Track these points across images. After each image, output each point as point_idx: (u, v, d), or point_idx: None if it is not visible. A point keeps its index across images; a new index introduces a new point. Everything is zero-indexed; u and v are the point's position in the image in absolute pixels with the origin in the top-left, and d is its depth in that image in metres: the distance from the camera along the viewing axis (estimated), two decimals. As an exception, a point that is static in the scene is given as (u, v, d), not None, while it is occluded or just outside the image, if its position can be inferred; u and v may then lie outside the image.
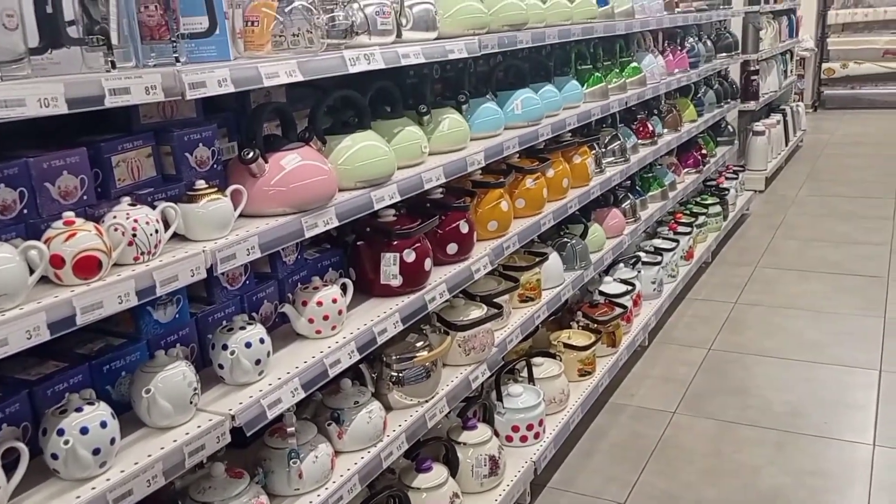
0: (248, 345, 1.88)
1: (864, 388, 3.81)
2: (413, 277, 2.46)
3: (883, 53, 11.93)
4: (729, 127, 6.61)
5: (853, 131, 10.52)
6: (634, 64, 4.51)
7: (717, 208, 5.76)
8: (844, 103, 12.23)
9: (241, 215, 1.95)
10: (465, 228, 2.75)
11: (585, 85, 3.97)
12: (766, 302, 4.91)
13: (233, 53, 1.93)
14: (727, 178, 6.33)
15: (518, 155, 3.31)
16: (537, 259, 3.34)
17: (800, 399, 3.74)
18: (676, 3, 5.13)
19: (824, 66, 12.16)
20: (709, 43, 5.96)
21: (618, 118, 4.53)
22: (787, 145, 8.51)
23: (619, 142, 4.28)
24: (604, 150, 4.19)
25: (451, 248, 2.72)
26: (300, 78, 1.94)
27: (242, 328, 1.91)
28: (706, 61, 5.80)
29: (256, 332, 1.91)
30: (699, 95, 5.83)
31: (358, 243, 2.45)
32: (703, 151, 5.83)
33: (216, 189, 1.83)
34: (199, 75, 1.68)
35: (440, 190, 2.78)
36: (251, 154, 1.92)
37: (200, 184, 1.82)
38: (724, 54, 6.33)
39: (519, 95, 3.23)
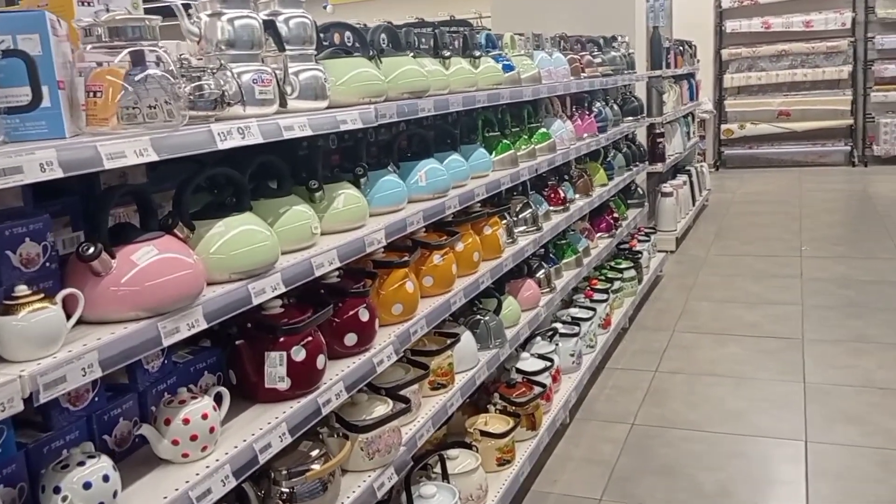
0: (86, 485, 1.50)
1: (791, 462, 3.60)
2: (303, 378, 2.12)
3: (777, 114, 12.30)
4: (639, 189, 6.52)
5: (754, 189, 10.70)
6: (543, 130, 4.33)
7: (632, 272, 5.59)
8: (744, 162, 12.51)
9: (83, 322, 1.59)
10: (365, 316, 2.43)
11: (494, 153, 3.75)
12: (686, 369, 4.72)
13: (70, 130, 1.59)
14: (639, 241, 6.20)
15: (424, 230, 3.03)
16: (448, 341, 3.04)
17: (729, 476, 3.50)
18: (582, 67, 5.02)
19: (723, 127, 12.46)
20: (615, 107, 5.88)
21: (528, 185, 4.31)
22: (693, 205, 8.54)
23: (530, 210, 4.05)
24: (515, 219, 3.95)
25: (350, 340, 2.39)
26: (154, 157, 1.61)
27: (81, 463, 1.53)
28: (614, 125, 5.70)
29: (99, 467, 1.54)
30: (609, 159, 5.70)
31: (238, 342, 2.09)
32: (615, 215, 5.69)
33: (43, 296, 1.47)
34: (13, 159, 1.33)
35: (336, 273, 2.46)
36: (92, 249, 1.57)
37: (21, 289, 1.45)
38: (631, 118, 6.26)
39: (423, 166, 2.96)
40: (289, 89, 2.21)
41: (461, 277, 3.18)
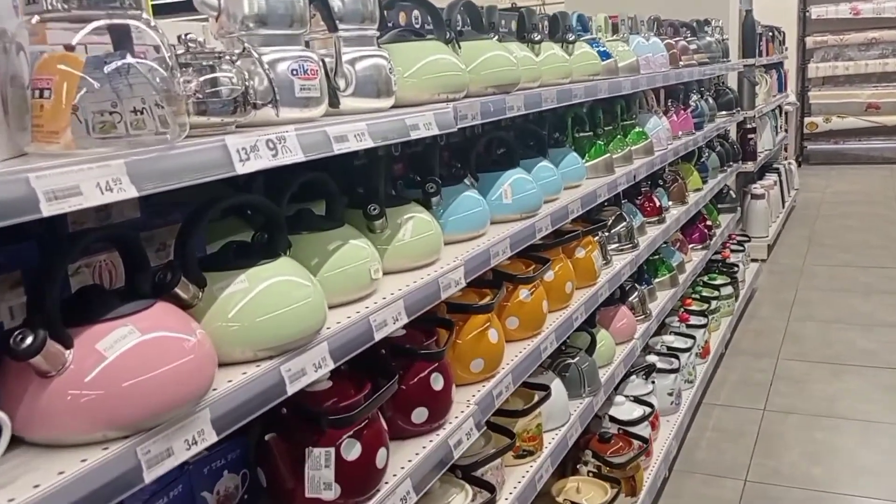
0: None
1: (953, 541, 2.90)
2: (358, 483, 1.53)
3: (866, 107, 11.33)
4: (731, 192, 5.80)
5: (843, 189, 9.81)
6: (639, 128, 3.67)
7: (729, 288, 4.89)
8: (828, 158, 11.57)
9: (27, 445, 1.03)
10: (439, 383, 1.83)
11: (586, 157, 3.11)
12: (800, 408, 4.02)
13: (7, 150, 1.02)
14: (732, 251, 5.48)
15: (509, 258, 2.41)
16: (536, 397, 2.42)
17: (875, 560, 2.82)
18: (679, 55, 4.33)
19: (807, 120, 11.53)
20: (710, 100, 5.17)
21: (621, 194, 3.66)
22: (783, 207, 7.74)
23: (624, 223, 3.41)
24: (608, 234, 3.32)
25: (419, 415, 1.80)
26: (129, 193, 1.03)
27: None
28: (710, 121, 5.00)
29: None
30: (703, 160, 5.00)
31: (267, 436, 1.51)
32: (708, 223, 4.99)
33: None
34: None
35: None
36: (30, 339, 0.99)
37: None
38: (725, 112, 5.54)
39: (508, 178, 2.35)
40: (342, 83, 1.62)
41: (552, 313, 2.57)
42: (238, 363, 1.31)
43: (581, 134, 3.22)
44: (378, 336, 1.56)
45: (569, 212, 2.61)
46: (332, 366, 1.43)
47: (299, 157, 1.32)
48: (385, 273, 1.81)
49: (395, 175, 2.32)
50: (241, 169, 1.20)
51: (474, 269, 1.98)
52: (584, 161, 3.05)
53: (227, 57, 1.28)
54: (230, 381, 1.24)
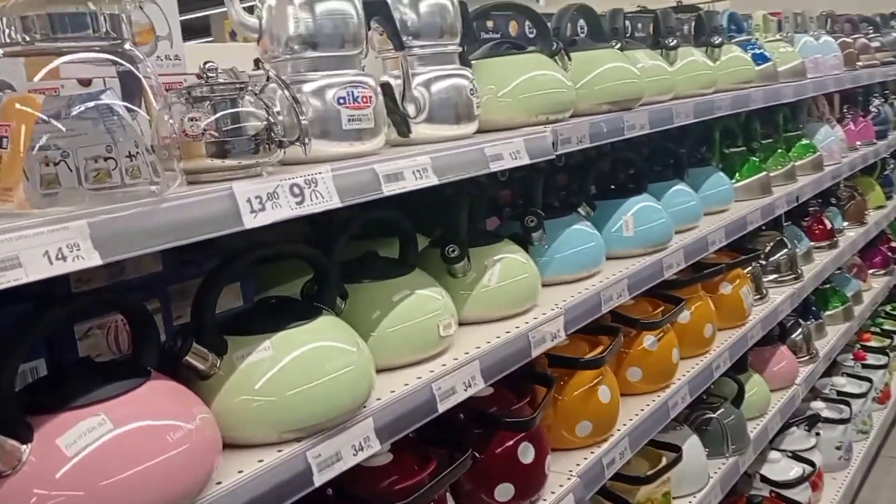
0: None
1: None
2: (416, 580, 1.30)
3: None
4: (923, 208, 5.08)
5: None
6: (805, 140, 3.22)
7: (918, 321, 4.26)
8: None
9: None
10: (528, 455, 1.57)
11: (737, 176, 2.74)
12: None
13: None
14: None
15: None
16: (664, 461, 2.10)
17: None
18: (857, 55, 3.80)
19: None
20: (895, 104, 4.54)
21: (783, 216, 3.22)
22: None
23: (786, 251, 2.98)
24: (764, 263, 2.91)
25: (504, 492, 1.55)
26: (94, 261, 0.85)
27: None
28: (895, 128, 4.38)
29: None
30: (886, 172, 4.39)
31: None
32: (893, 244, 4.37)
33: None
34: None
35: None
36: (-31, 435, 0.84)
37: None
38: (916, 116, 4.85)
39: (630, 207, 2.05)
40: (412, 109, 1.41)
41: (685, 360, 2.23)
42: (261, 445, 1.12)
43: (732, 149, 2.83)
44: (443, 407, 1.33)
45: (708, 243, 2.27)
46: (377, 447, 1.21)
47: (334, 203, 1.12)
48: (468, 323, 1.58)
49: (500, 203, 2.08)
50: (253, 222, 1.01)
51: (580, 318, 1.71)
52: (733, 181, 2.68)
53: (250, 88, 1.10)
54: (241, 471, 1.05)
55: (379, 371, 1.34)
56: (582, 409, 1.78)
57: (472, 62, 1.63)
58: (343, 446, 1.16)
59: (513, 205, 2.01)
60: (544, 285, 1.78)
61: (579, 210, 1.99)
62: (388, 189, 1.20)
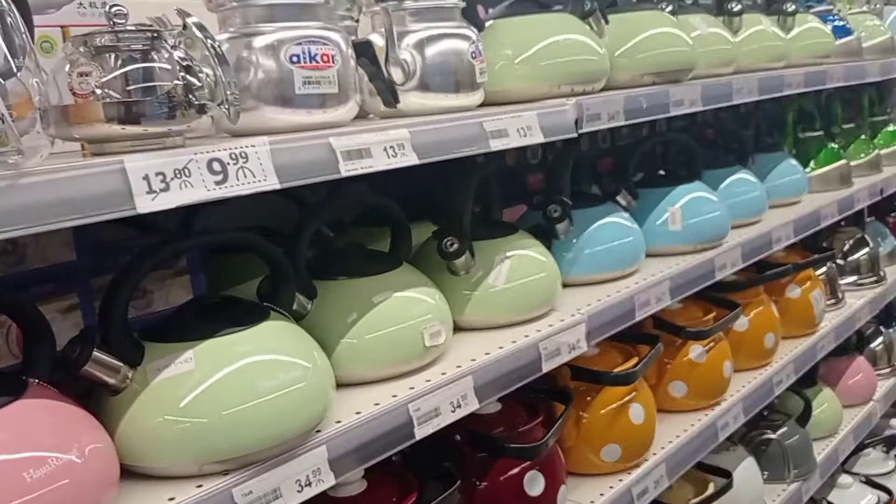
0: None
1: None
2: None
3: None
4: None
5: None
6: (893, 127, 2.86)
7: None
8: None
9: None
10: (536, 486, 1.34)
11: (811, 164, 2.42)
12: None
13: None
14: None
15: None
16: (711, 489, 1.83)
17: None
18: (960, 30, 3.37)
19: None
20: None
21: (865, 210, 2.87)
22: None
23: (867, 250, 2.64)
24: (842, 263, 2.58)
25: (506, 529, 1.32)
26: None
27: None
28: None
29: None
30: None
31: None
32: None
33: None
34: None
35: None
36: None
37: None
38: None
39: (679, 195, 1.77)
40: (398, 74, 1.18)
41: (741, 373, 1.95)
42: (180, 478, 0.92)
43: (807, 134, 2.51)
44: (421, 432, 1.10)
45: (772, 240, 1.97)
46: (329, 481, 0.99)
47: (270, 184, 0.90)
48: (472, 329, 1.35)
49: (530, 189, 1.84)
50: (149, 205, 0.80)
51: (607, 326, 1.45)
52: (807, 170, 2.36)
53: (169, 39, 0.89)
54: (141, 517, 0.85)
55: (351, 385, 1.14)
56: (609, 429, 1.53)
57: (487, 22, 1.40)
58: (284, 481, 0.95)
59: (544, 191, 1.77)
60: (569, 286, 1.53)
61: (618, 199, 1.73)
62: (349, 169, 0.98)
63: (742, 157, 2.09)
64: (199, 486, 0.90)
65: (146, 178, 0.80)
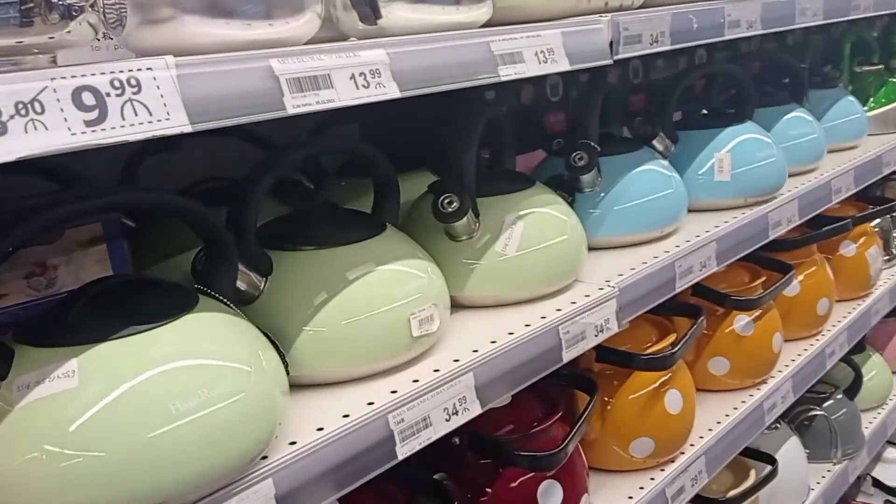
0: None
1: None
2: None
3: None
4: None
5: None
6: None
7: None
8: None
9: None
10: (552, 498, 1.07)
11: (870, 103, 2.08)
12: None
13: None
14: None
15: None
16: (753, 477, 1.56)
17: None
18: None
19: None
20: None
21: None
22: None
23: (924, 199, 2.32)
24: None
25: (514, 549, 1.06)
26: None
27: None
28: None
29: None
30: None
31: None
32: None
33: None
34: None
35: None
36: None
37: None
38: None
39: (728, 139, 1.46)
40: (376, -22, 0.87)
41: (790, 343, 1.67)
42: None
43: (865, 68, 2.16)
44: (405, 450, 0.83)
45: (832, 191, 1.66)
46: (279, 527, 0.73)
47: (174, 125, 0.61)
48: (475, 307, 1.07)
49: (550, 132, 1.53)
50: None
51: (641, 301, 1.17)
52: (865, 109, 2.03)
53: None
54: (-3, 591, 0.59)
55: (316, 387, 0.86)
56: (640, 421, 1.26)
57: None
58: (221, 525, 0.69)
59: (567, 134, 1.46)
60: (595, 249, 1.25)
61: (655, 143, 1.43)
62: (298, 104, 0.68)
63: (797, 93, 1.76)
64: (105, 532, 0.64)
65: (-29, 113, 0.52)
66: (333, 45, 0.74)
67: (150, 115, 0.60)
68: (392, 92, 0.76)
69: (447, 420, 0.88)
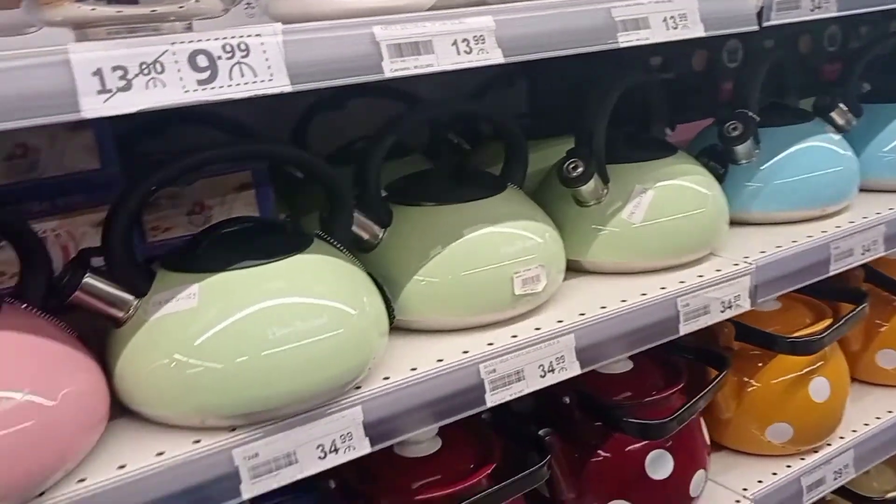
0: None
1: None
2: None
3: None
4: None
5: None
6: None
7: None
8: None
9: None
10: (661, 470, 1.06)
11: None
12: None
13: None
14: None
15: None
16: (922, 484, 1.43)
17: None
18: None
19: None
20: None
21: None
22: None
23: None
24: None
25: (618, 513, 1.06)
26: None
27: None
28: None
29: None
30: None
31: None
32: None
33: None
34: None
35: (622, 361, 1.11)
36: None
37: None
38: None
39: (924, 114, 1.32)
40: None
41: None
42: (180, 428, 0.77)
43: None
44: (494, 399, 0.87)
45: None
46: (364, 449, 0.80)
47: (277, 85, 0.68)
48: (599, 273, 1.07)
49: (723, 102, 1.46)
50: (99, 108, 0.62)
51: (785, 280, 1.10)
52: None
53: None
54: (122, 466, 0.71)
55: (420, 333, 0.93)
56: (780, 406, 1.19)
57: None
58: (302, 444, 0.77)
59: (728, 104, 1.39)
60: (746, 223, 1.19)
61: (833, 116, 1.32)
62: (394, 68, 0.73)
63: None
64: (197, 441, 0.75)
65: (98, 73, 0.62)
66: (439, 12, 0.77)
67: (255, 76, 0.68)
68: (496, 58, 0.79)
69: (542, 376, 0.90)
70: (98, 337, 0.79)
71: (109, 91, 0.62)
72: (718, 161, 1.20)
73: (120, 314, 0.77)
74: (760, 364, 1.21)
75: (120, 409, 0.78)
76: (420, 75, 0.76)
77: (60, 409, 0.68)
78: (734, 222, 1.15)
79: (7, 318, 0.70)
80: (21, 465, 0.65)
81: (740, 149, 1.19)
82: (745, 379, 1.21)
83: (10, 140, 0.83)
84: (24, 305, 0.74)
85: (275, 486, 0.76)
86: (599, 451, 1.05)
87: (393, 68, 0.73)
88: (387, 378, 0.83)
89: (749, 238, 1.16)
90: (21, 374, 0.67)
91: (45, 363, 0.70)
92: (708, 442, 1.14)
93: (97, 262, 0.76)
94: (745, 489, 1.17)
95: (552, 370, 0.91)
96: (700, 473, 1.09)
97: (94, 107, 0.62)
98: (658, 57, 1.39)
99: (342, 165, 0.97)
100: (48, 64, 0.61)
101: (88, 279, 0.74)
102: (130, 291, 0.77)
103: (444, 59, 0.76)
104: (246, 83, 0.67)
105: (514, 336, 0.91)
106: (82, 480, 0.70)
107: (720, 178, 1.17)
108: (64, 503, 0.68)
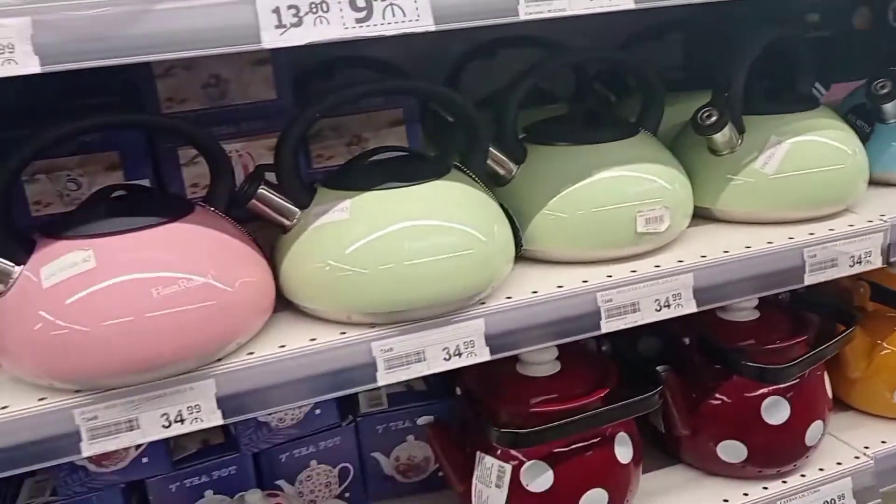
0: None
1: None
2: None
3: None
4: None
5: None
6: None
7: None
8: None
9: None
10: (776, 415, 1.08)
11: None
12: None
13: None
14: None
15: None
16: None
17: None
18: None
19: None
20: None
21: None
22: None
23: None
24: None
25: (731, 451, 1.10)
26: (34, 67, 0.68)
27: None
28: None
29: None
30: None
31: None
32: None
33: None
34: None
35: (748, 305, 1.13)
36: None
37: None
38: None
39: None
40: None
41: None
42: (329, 322, 0.89)
43: None
44: (609, 326, 0.93)
45: None
46: (482, 356, 0.89)
47: (422, 24, 0.77)
48: (729, 221, 1.09)
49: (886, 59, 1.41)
50: (276, 40, 0.73)
51: (924, 239, 1.08)
52: None
53: None
54: (283, 345, 0.85)
55: (545, 263, 1.00)
56: (908, 369, 1.17)
57: None
58: (430, 345, 0.88)
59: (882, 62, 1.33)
60: (889, 184, 1.17)
61: None
62: (528, 11, 0.80)
63: None
64: (343, 332, 0.87)
65: (276, 11, 0.73)
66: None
67: (405, 16, 0.77)
68: (626, 3, 0.84)
69: (657, 310, 0.95)
70: (267, 243, 0.93)
71: (284, 26, 0.74)
72: (866, 119, 1.17)
73: (286, 222, 0.90)
74: (894, 327, 1.19)
75: (283, 304, 0.91)
76: (556, 19, 0.83)
77: (236, 294, 0.81)
78: (876, 182, 1.13)
79: (199, 217, 0.84)
80: (204, 333, 0.79)
81: (889, 107, 1.16)
82: (878, 341, 1.19)
83: (206, 71, 0.97)
84: (213, 210, 0.88)
85: (404, 378, 0.87)
86: (716, 393, 1.09)
87: (527, 11, 0.80)
88: (509, 297, 0.92)
89: (890, 199, 1.14)
90: (207, 263, 0.80)
91: (226, 257, 0.83)
92: (830, 396, 1.14)
93: (271, 178, 0.90)
94: (866, 447, 1.16)
95: (668, 305, 0.96)
96: (817, 424, 1.10)
97: (272, 39, 0.73)
98: (815, 14, 1.36)
99: (490, 110, 1.05)
100: (238, 2, 0.73)
101: (263, 190, 0.87)
102: (295, 203, 0.89)
103: (577, 4, 0.82)
104: (396, 22, 0.77)
105: (634, 271, 0.96)
106: (251, 353, 0.84)
107: (865, 137, 1.15)
108: (236, 368, 0.82)
